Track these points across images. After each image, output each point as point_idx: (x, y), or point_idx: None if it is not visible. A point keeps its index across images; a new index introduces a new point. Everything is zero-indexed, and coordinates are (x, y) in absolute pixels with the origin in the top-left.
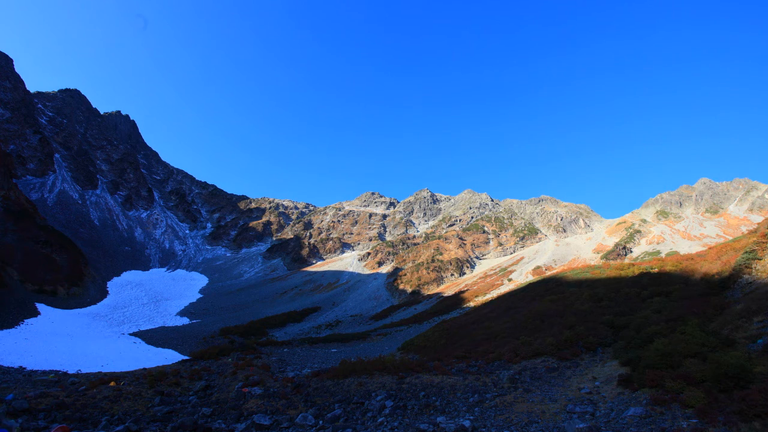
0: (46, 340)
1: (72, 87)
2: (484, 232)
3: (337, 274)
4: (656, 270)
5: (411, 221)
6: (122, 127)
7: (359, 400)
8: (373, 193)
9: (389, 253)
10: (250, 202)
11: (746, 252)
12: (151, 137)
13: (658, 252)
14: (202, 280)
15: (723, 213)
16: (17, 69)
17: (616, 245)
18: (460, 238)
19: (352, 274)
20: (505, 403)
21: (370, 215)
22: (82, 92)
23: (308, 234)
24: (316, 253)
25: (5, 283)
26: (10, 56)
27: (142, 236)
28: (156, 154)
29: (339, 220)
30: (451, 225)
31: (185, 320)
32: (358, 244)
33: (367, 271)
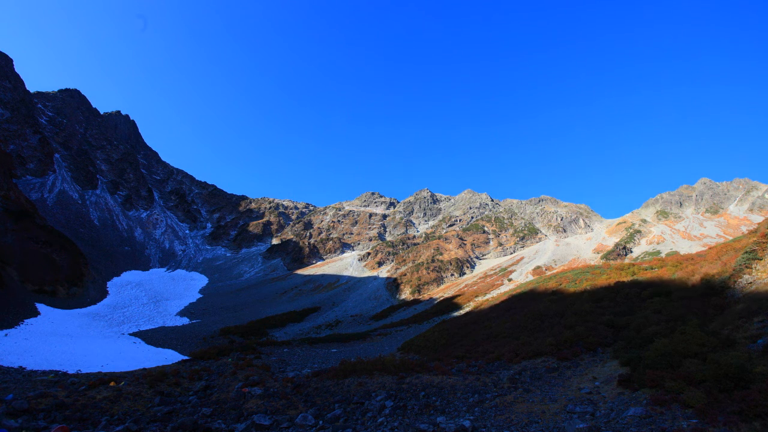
0: (46, 340)
1: (72, 87)
2: (484, 232)
3: (337, 274)
4: (656, 270)
5: (411, 221)
6: (122, 127)
7: (359, 400)
8: (373, 193)
9: (389, 253)
10: (250, 202)
11: (746, 252)
12: (151, 137)
13: (658, 252)
14: (202, 280)
15: (723, 213)
16: (17, 69)
17: (616, 245)
18: (460, 238)
19: (352, 274)
20: (505, 403)
21: (370, 215)
22: (82, 92)
23: (308, 234)
24: (316, 253)
25: (5, 283)
26: (10, 56)
27: (142, 236)
28: (156, 154)
29: (339, 220)
30: (451, 225)
31: (185, 320)
32: (358, 244)
33: (367, 271)
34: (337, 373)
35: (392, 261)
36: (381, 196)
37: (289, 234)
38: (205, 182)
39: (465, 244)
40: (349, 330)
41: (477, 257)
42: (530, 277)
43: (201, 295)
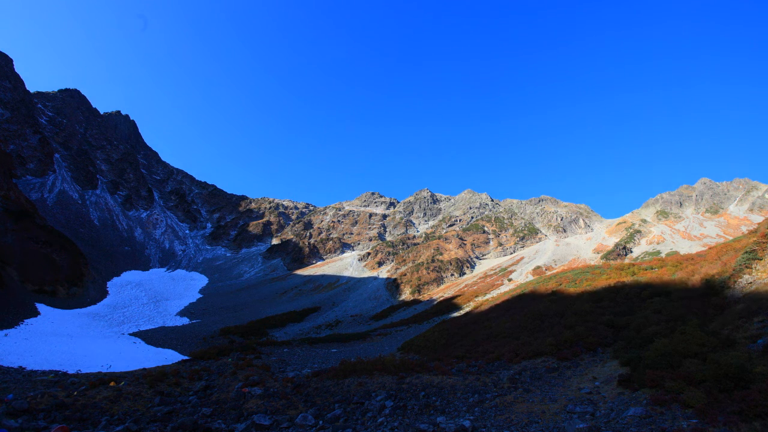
0: (46, 340)
1: (72, 87)
2: (484, 232)
3: (337, 275)
4: (656, 270)
5: (411, 221)
6: (122, 127)
7: (359, 400)
8: (373, 193)
9: (389, 253)
10: (250, 202)
11: (746, 252)
12: (151, 137)
13: (658, 252)
14: (202, 280)
15: (723, 213)
16: (17, 69)
17: (616, 245)
18: (460, 238)
19: (352, 274)
20: (505, 403)
21: (370, 215)
22: (82, 92)
23: (308, 234)
24: (316, 253)
25: (5, 283)
26: (10, 56)
27: (142, 236)
28: (156, 154)
29: (339, 220)
30: (451, 225)
31: (185, 320)
32: (358, 244)
33: (367, 271)
34: (337, 373)
35: (392, 261)
36: (381, 196)
37: (289, 234)
38: (205, 182)
39: (465, 244)
40: (349, 330)
41: (477, 257)
42: (530, 277)
43: (201, 295)
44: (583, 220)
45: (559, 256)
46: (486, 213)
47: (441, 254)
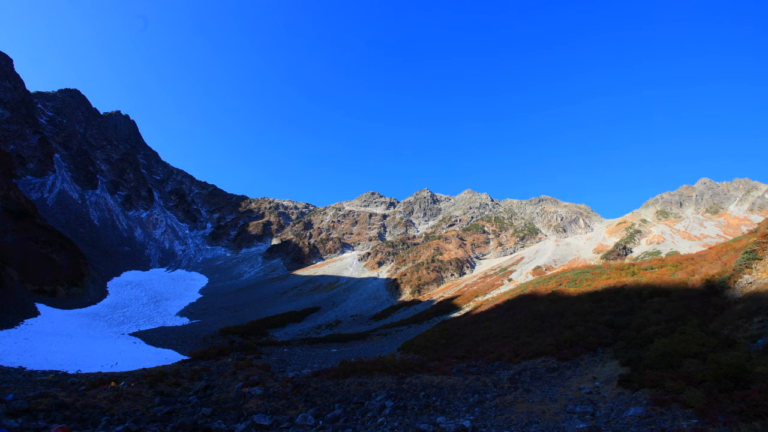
0: (46, 340)
1: (72, 87)
2: (484, 232)
3: (337, 275)
4: (656, 270)
5: (411, 221)
6: (122, 127)
7: (359, 400)
8: (373, 193)
9: (389, 253)
10: (250, 202)
11: (746, 252)
12: (151, 137)
13: (659, 252)
14: (202, 280)
15: (723, 213)
16: (17, 69)
17: (617, 245)
18: (460, 238)
19: (351, 274)
20: (505, 403)
21: (370, 215)
22: (82, 92)
23: (308, 234)
24: (316, 253)
25: (5, 283)
26: (10, 56)
27: (141, 236)
28: (156, 154)
29: (339, 220)
30: (451, 225)
31: (185, 320)
32: (358, 244)
33: (367, 271)
34: (337, 373)
35: (392, 261)
36: (381, 196)
37: (289, 234)
38: (205, 182)
39: (465, 244)
40: (349, 330)
41: (477, 257)
42: (530, 277)
43: (201, 295)
44: (583, 220)
45: (559, 256)
46: (486, 213)
47: (441, 254)
